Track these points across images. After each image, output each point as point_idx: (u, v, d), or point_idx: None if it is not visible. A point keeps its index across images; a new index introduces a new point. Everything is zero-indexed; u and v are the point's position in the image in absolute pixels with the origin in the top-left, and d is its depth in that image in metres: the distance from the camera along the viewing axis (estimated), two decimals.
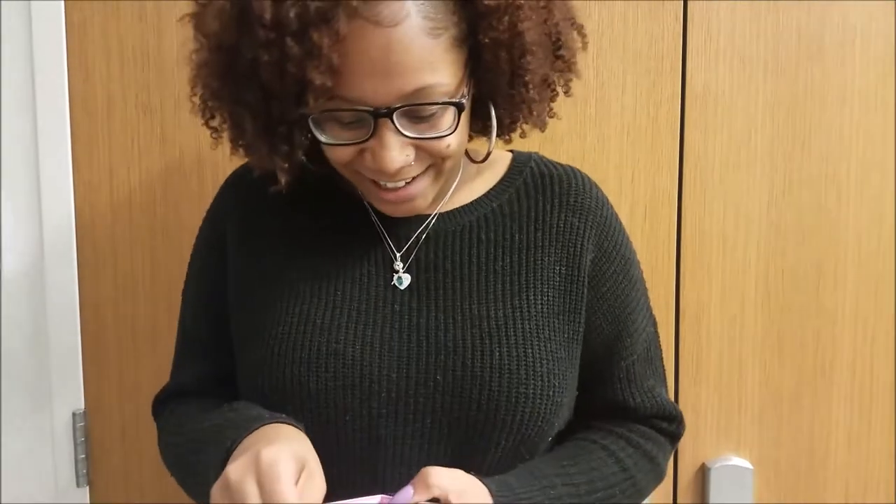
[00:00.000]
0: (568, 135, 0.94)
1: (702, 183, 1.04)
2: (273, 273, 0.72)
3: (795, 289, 1.06)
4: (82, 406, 1.05)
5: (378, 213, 0.72)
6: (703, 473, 1.07)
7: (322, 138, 0.63)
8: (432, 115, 0.62)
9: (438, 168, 0.67)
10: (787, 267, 1.06)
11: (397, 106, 0.60)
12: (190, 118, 1.02)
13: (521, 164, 0.77)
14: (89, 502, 1.06)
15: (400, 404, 0.67)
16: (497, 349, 0.68)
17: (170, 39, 1.02)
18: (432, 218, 0.73)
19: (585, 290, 0.73)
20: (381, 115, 0.60)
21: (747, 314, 1.06)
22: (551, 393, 0.69)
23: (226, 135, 0.69)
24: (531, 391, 0.67)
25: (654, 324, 0.81)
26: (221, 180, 1.03)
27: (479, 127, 0.73)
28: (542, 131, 0.74)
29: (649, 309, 0.81)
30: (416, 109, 0.61)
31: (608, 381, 0.77)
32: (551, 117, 0.73)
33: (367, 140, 0.62)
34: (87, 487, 1.06)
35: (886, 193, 1.05)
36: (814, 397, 1.07)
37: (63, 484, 1.05)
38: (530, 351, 0.68)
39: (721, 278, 1.06)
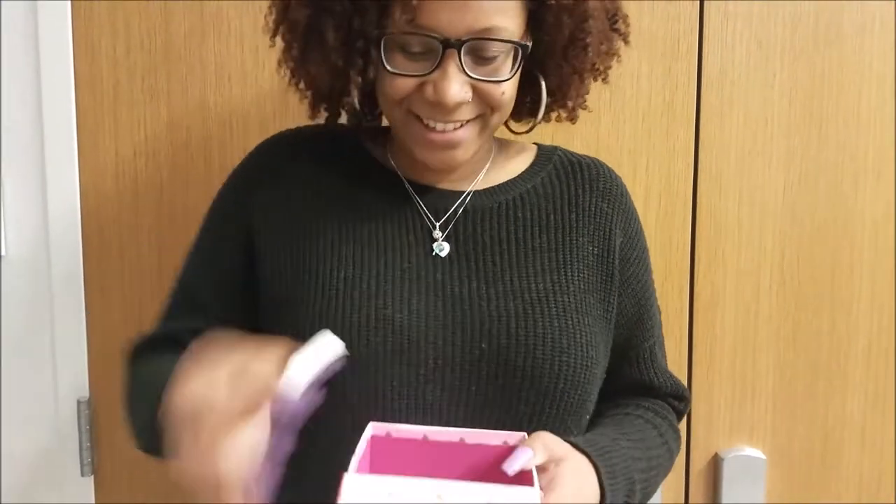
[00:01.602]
0: (582, 120, 0.92)
1: (717, 169, 1.03)
2: (311, 236, 0.73)
3: (811, 277, 1.05)
4: (87, 394, 1.04)
5: (413, 183, 0.76)
6: (715, 463, 1.06)
7: (388, 66, 0.66)
8: (494, 58, 0.66)
9: (486, 120, 0.70)
10: (802, 255, 1.04)
11: (466, 39, 0.64)
12: (197, 101, 1.02)
13: (549, 153, 0.82)
14: (94, 491, 1.05)
15: (446, 371, 0.69)
16: (540, 319, 0.70)
17: (177, 22, 1.00)
18: (468, 194, 0.76)
19: (617, 272, 0.77)
20: (451, 45, 0.64)
21: (762, 303, 1.05)
22: (589, 363, 0.71)
23: (295, 56, 0.71)
24: (572, 360, 0.70)
25: (660, 311, 0.86)
26: (229, 164, 1.02)
27: (523, 103, 0.76)
28: (573, 122, 0.78)
29: (656, 298, 0.85)
30: (481, 48, 0.65)
31: (633, 363, 0.81)
32: (584, 108, 0.78)
33: (431, 73, 0.65)
34: (92, 476, 1.05)
35: None
36: (828, 388, 1.06)
37: (68, 472, 1.04)
38: (570, 322, 0.71)
39: (736, 266, 1.04)
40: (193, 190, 1.03)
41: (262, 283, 0.75)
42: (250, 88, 1.01)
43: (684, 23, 1.00)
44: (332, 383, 0.66)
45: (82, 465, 1.03)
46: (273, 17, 0.73)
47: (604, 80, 0.77)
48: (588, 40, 0.70)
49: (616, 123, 1.01)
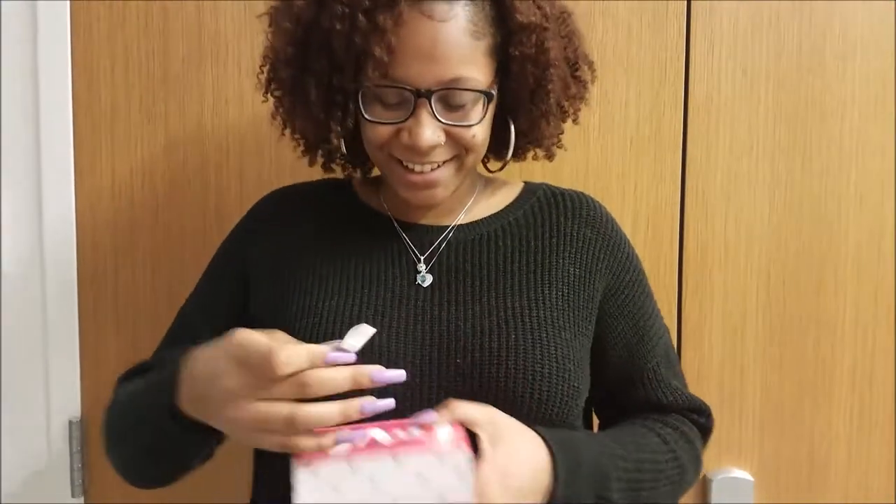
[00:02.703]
0: (571, 145, 0.95)
1: (704, 193, 1.05)
2: (301, 272, 0.78)
3: (796, 299, 1.06)
4: (79, 414, 1.04)
5: (401, 222, 0.81)
6: (704, 485, 1.07)
7: (367, 115, 0.72)
8: (463, 105, 0.72)
9: (461, 161, 0.76)
10: (787, 277, 1.06)
11: (435, 89, 0.70)
12: (194, 124, 1.04)
13: (534, 188, 0.86)
14: None
15: (424, 387, 0.72)
16: (513, 332, 0.73)
17: (175, 46, 1.02)
18: (451, 229, 0.81)
19: (599, 295, 0.79)
20: (422, 95, 0.70)
21: (748, 324, 1.06)
22: (567, 375, 0.73)
23: (284, 109, 0.79)
24: (546, 370, 0.72)
25: (668, 332, 0.87)
26: (224, 186, 1.04)
27: (495, 146, 0.81)
28: (550, 160, 0.83)
29: (662, 318, 0.87)
30: (450, 96, 0.71)
31: (638, 384, 0.83)
32: (559, 147, 0.83)
33: (405, 120, 0.71)
34: (83, 498, 1.04)
35: (886, 204, 1.06)
36: (814, 408, 1.07)
37: (59, 494, 1.03)
38: (544, 335, 0.74)
39: (723, 288, 1.06)
40: (189, 211, 1.04)
41: (255, 318, 0.79)
42: (247, 111, 1.03)
43: (671, 51, 1.03)
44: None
45: (73, 487, 1.03)
46: (264, 75, 0.79)
47: (574, 121, 0.83)
48: (550, 87, 0.75)
49: (604, 148, 1.03)
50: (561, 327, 0.75)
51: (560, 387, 0.72)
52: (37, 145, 1.02)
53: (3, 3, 1.00)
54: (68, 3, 1.01)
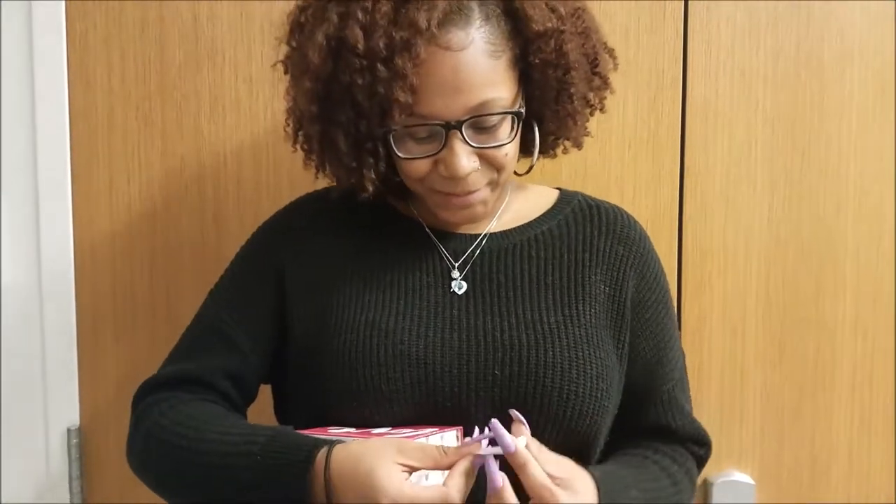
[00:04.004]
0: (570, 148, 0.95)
1: (702, 196, 1.05)
2: (338, 285, 0.79)
3: (796, 301, 1.06)
4: (77, 422, 1.04)
5: (433, 229, 0.82)
6: (705, 489, 1.07)
7: (400, 154, 0.73)
8: (494, 126, 0.72)
9: (496, 181, 0.76)
10: (787, 279, 1.06)
11: (465, 119, 0.70)
12: (191, 130, 1.03)
13: (570, 197, 0.86)
14: None
15: (462, 398, 0.73)
16: (550, 349, 0.74)
17: (172, 53, 1.02)
18: (484, 236, 0.81)
19: (628, 314, 0.80)
20: (452, 127, 0.70)
21: (748, 326, 1.06)
22: (599, 395, 0.75)
23: (315, 159, 0.79)
24: (581, 390, 0.73)
25: (684, 355, 0.88)
26: (222, 192, 1.03)
27: (525, 147, 0.81)
28: (580, 149, 0.84)
29: (680, 341, 0.88)
30: (480, 120, 0.71)
31: (651, 405, 0.83)
32: (587, 135, 0.83)
33: (439, 152, 0.72)
34: None
35: (885, 205, 1.06)
36: (815, 410, 1.07)
37: (58, 502, 1.03)
38: (581, 353, 0.75)
39: (722, 290, 1.06)
40: (186, 217, 1.04)
41: (290, 330, 0.80)
42: (244, 118, 1.03)
43: (669, 54, 1.03)
44: (360, 415, 0.72)
45: (72, 494, 1.03)
46: (290, 127, 0.79)
47: (601, 110, 0.82)
48: (573, 89, 0.76)
49: (603, 151, 1.03)
50: (596, 346, 0.76)
51: (592, 406, 0.74)
52: (33, 153, 1.01)
53: None
54: (64, 9, 1.01)
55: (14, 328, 1.02)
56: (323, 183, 0.89)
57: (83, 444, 1.03)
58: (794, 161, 1.05)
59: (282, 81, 1.00)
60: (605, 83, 0.80)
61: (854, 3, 1.03)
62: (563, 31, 0.73)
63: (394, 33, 0.67)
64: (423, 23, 0.66)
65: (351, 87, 0.69)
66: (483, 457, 0.65)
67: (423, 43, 0.67)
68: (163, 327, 1.03)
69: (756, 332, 1.06)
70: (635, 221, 0.86)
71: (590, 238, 0.81)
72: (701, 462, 0.87)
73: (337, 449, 0.66)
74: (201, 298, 0.87)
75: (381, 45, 0.67)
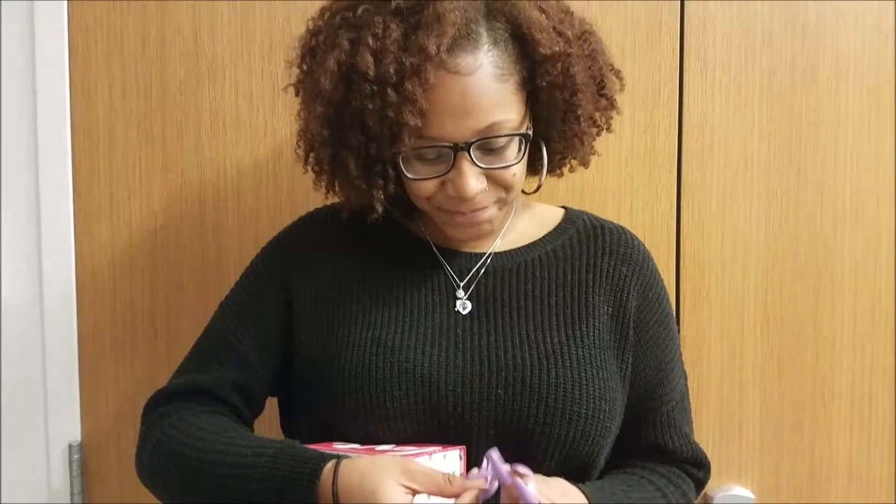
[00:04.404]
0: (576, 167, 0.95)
1: (699, 211, 1.06)
2: (345, 302, 0.80)
3: (794, 316, 1.07)
4: (79, 438, 1.04)
5: (439, 247, 0.82)
6: None
7: (409, 175, 0.74)
8: (501, 147, 0.73)
9: (504, 200, 0.77)
10: (785, 294, 1.07)
11: (473, 140, 0.71)
12: (191, 147, 1.04)
13: (574, 217, 0.87)
14: None
15: (465, 417, 0.74)
16: (553, 369, 0.75)
17: (173, 70, 1.03)
18: (488, 256, 0.82)
19: (631, 334, 0.81)
20: (460, 149, 0.71)
21: (746, 341, 1.06)
22: (601, 416, 0.75)
23: (325, 180, 0.80)
24: (583, 410, 0.74)
25: (686, 377, 0.88)
26: (222, 207, 1.04)
27: (531, 166, 0.82)
28: (586, 167, 0.85)
29: (682, 363, 0.88)
30: (488, 142, 0.72)
31: (650, 425, 0.83)
32: (594, 154, 0.84)
33: (447, 172, 0.73)
34: None
35: (881, 219, 1.06)
36: (814, 424, 1.07)
37: None
38: (584, 374, 0.76)
39: (720, 305, 1.06)
40: (187, 233, 1.04)
41: (297, 346, 0.81)
42: (244, 134, 1.04)
43: (665, 71, 1.04)
44: (365, 431, 0.73)
45: None
46: (301, 149, 0.80)
47: (608, 129, 0.83)
48: (580, 111, 0.77)
49: (600, 168, 1.04)
50: (599, 367, 0.77)
51: (594, 427, 0.75)
52: (35, 168, 1.02)
53: (0, 26, 1.01)
54: (66, 26, 1.02)
55: (15, 344, 1.03)
56: (321, 201, 0.90)
57: (84, 459, 1.04)
58: (791, 176, 1.06)
59: (281, 98, 1.03)
60: (612, 104, 0.82)
61: (848, 20, 1.04)
62: (569, 55, 0.74)
63: (404, 59, 0.68)
64: (432, 49, 0.68)
65: (362, 111, 0.70)
66: (487, 491, 0.65)
67: (433, 68, 0.68)
68: (163, 343, 1.03)
69: (754, 346, 1.07)
70: (639, 242, 0.86)
71: (594, 259, 0.82)
72: (699, 484, 0.86)
73: (344, 463, 0.66)
74: (202, 314, 0.88)
75: (392, 70, 0.68)
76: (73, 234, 1.04)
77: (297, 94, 0.80)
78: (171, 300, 1.04)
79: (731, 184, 1.05)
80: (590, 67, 0.78)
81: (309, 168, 0.80)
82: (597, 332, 0.78)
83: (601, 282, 0.81)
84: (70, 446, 1.03)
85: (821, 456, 1.07)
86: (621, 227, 0.87)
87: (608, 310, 0.80)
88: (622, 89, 0.83)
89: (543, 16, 0.73)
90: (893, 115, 1.06)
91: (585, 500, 0.71)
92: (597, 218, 0.87)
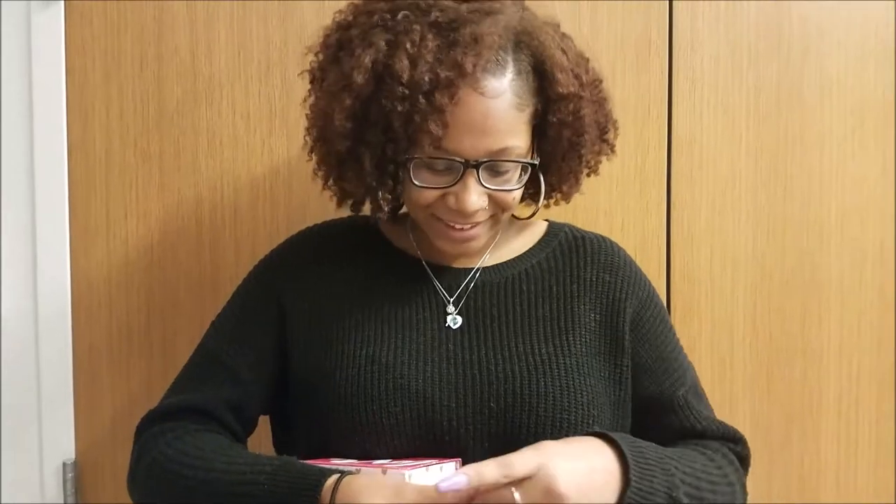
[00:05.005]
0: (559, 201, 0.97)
1: (689, 228, 1.07)
2: (338, 318, 0.81)
3: (781, 329, 1.09)
4: (73, 456, 1.04)
5: (429, 263, 0.84)
6: None
7: (416, 182, 0.76)
8: (507, 171, 0.76)
9: (496, 219, 0.80)
10: (773, 308, 1.08)
11: (484, 161, 0.74)
12: (189, 166, 1.05)
13: (557, 230, 0.90)
14: None
15: (460, 430, 0.76)
16: (542, 379, 0.77)
17: (170, 89, 1.04)
18: (477, 270, 0.84)
19: (627, 336, 0.83)
20: (471, 166, 0.74)
21: (736, 354, 1.08)
22: (591, 422, 0.77)
23: (333, 172, 0.80)
24: (573, 417, 0.76)
25: (694, 368, 0.90)
26: (219, 224, 1.05)
27: (527, 193, 0.85)
28: (567, 202, 0.89)
29: (686, 356, 0.89)
30: (497, 164, 0.75)
31: (671, 412, 0.84)
32: (578, 192, 0.88)
33: (452, 185, 0.75)
34: None
35: (866, 235, 1.09)
36: (802, 436, 1.09)
37: None
38: (572, 383, 0.78)
39: (710, 319, 1.08)
40: (183, 251, 1.05)
41: (291, 363, 0.82)
42: (241, 153, 1.04)
43: (654, 91, 1.06)
44: (361, 447, 0.74)
45: None
46: (311, 136, 0.81)
47: (595, 172, 0.88)
48: (583, 151, 0.81)
49: (592, 185, 1.04)
50: (586, 374, 0.79)
51: (583, 433, 0.75)
52: (31, 186, 1.02)
53: None
54: (63, 45, 1.03)
55: (10, 361, 1.03)
56: (318, 218, 0.92)
57: (79, 478, 1.03)
58: (777, 193, 1.08)
59: (279, 118, 1.04)
60: (612, 149, 0.86)
61: (832, 40, 1.07)
62: (582, 97, 0.78)
63: (439, 70, 0.71)
64: (468, 67, 0.70)
65: (389, 112, 0.72)
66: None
67: (464, 85, 0.71)
68: (159, 361, 1.04)
69: (744, 359, 1.08)
70: (619, 248, 0.88)
71: (577, 269, 0.85)
72: (741, 459, 0.84)
73: (346, 481, 0.67)
74: (198, 332, 0.88)
75: (427, 79, 0.71)
76: (68, 253, 1.04)
77: (311, 81, 0.80)
78: (168, 318, 1.05)
79: (720, 200, 1.08)
80: (596, 112, 0.82)
81: (313, 155, 0.81)
82: (584, 340, 0.81)
83: (586, 290, 0.83)
84: (64, 464, 1.03)
85: (810, 466, 1.09)
86: (602, 237, 0.89)
87: (595, 317, 0.82)
88: (616, 137, 0.86)
89: (565, 57, 0.77)
90: (877, 132, 1.08)
91: (605, 450, 0.71)
92: (578, 230, 0.90)
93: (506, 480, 0.65)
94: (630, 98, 1.06)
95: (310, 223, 0.91)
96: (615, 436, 0.73)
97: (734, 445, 0.85)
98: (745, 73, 1.07)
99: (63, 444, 1.03)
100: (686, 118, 1.06)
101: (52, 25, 1.02)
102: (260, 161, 1.05)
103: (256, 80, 1.04)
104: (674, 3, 1.05)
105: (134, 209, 1.05)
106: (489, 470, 0.66)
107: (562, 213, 1.06)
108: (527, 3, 0.82)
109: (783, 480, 1.09)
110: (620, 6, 1.05)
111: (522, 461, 0.67)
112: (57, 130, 1.03)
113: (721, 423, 0.86)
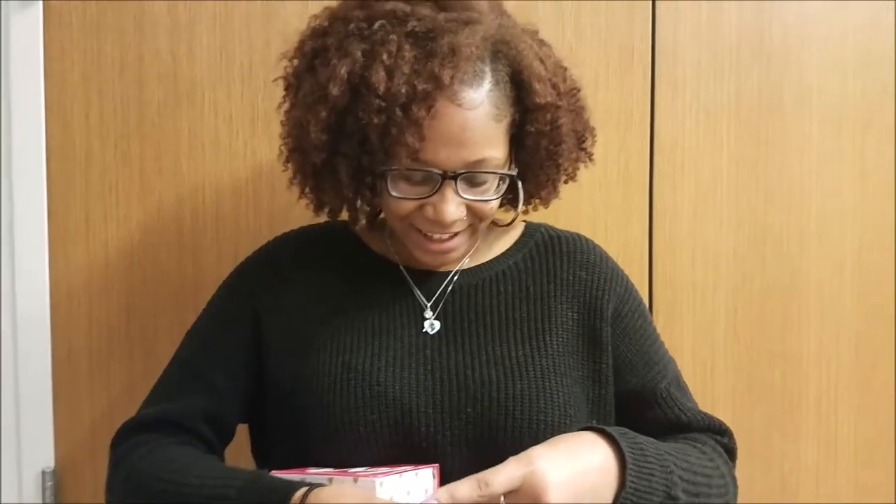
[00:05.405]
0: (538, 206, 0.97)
1: (671, 232, 1.08)
2: (314, 325, 0.81)
3: (762, 334, 1.10)
4: (52, 464, 1.02)
5: (408, 268, 0.83)
6: None
7: (394, 193, 0.75)
8: (484, 181, 0.76)
9: (475, 228, 0.80)
10: (753, 312, 1.09)
11: (461, 172, 0.74)
12: (169, 168, 1.04)
13: (533, 230, 0.90)
14: None
15: (438, 436, 0.75)
16: (519, 382, 0.77)
17: (151, 91, 1.03)
18: (455, 273, 0.84)
19: (607, 332, 0.83)
20: (449, 177, 0.74)
21: (717, 358, 1.09)
22: (568, 422, 0.77)
23: (309, 182, 0.80)
24: (549, 419, 0.76)
25: (675, 363, 0.90)
26: (200, 228, 1.04)
27: (504, 200, 0.84)
28: (546, 208, 0.89)
29: (667, 351, 0.90)
30: (475, 175, 0.75)
31: (655, 405, 0.84)
32: (556, 198, 0.88)
33: (430, 196, 0.75)
34: None
35: (846, 240, 1.10)
36: (783, 439, 1.10)
37: None
38: (548, 384, 0.77)
39: (692, 323, 1.09)
40: (164, 256, 1.04)
41: (267, 371, 0.82)
42: (223, 156, 1.04)
43: (637, 97, 1.07)
44: (339, 456, 0.73)
45: None
46: (287, 146, 0.80)
47: (573, 179, 0.87)
48: (560, 160, 0.81)
49: (575, 190, 1.04)
50: (563, 374, 0.79)
51: (561, 433, 0.75)
52: (10, 189, 1.01)
53: None
54: (41, 47, 1.01)
55: None
56: (301, 222, 0.91)
57: (58, 486, 1.02)
58: (758, 198, 1.09)
59: (261, 120, 1.03)
60: (589, 157, 0.86)
61: (812, 48, 1.08)
62: (559, 107, 0.77)
63: (416, 83, 0.70)
64: (446, 79, 0.70)
65: (365, 124, 0.71)
66: None
67: (441, 97, 0.70)
68: (140, 367, 1.03)
69: (725, 363, 1.09)
70: (595, 245, 0.88)
71: (553, 269, 0.85)
72: (728, 451, 0.85)
73: (312, 493, 0.67)
74: (179, 337, 0.87)
75: (403, 91, 0.70)
76: (47, 256, 1.02)
77: (286, 88, 0.80)
78: (149, 322, 1.04)
79: (702, 206, 1.08)
80: (574, 121, 0.81)
81: (290, 167, 0.80)
82: (561, 339, 0.80)
83: (562, 289, 0.83)
84: (43, 473, 1.01)
85: (790, 467, 1.10)
86: (577, 235, 0.89)
87: (573, 316, 0.82)
88: (594, 145, 0.87)
89: (542, 66, 0.77)
90: (855, 138, 1.10)
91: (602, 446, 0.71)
92: (554, 229, 0.90)
93: (483, 500, 0.65)
94: (613, 103, 1.06)
95: (293, 226, 0.91)
96: (613, 432, 0.73)
97: (721, 437, 0.86)
98: (726, 79, 1.07)
99: (42, 452, 1.02)
100: (668, 124, 1.07)
101: (30, 27, 1.01)
102: (242, 163, 1.04)
103: (239, 82, 1.03)
104: (656, 9, 1.06)
105: (114, 212, 1.04)
106: (463, 489, 0.65)
107: (544, 218, 1.06)
108: (514, 6, 0.82)
109: (764, 482, 1.10)
110: (604, 12, 1.06)
111: (502, 477, 0.66)
112: (36, 133, 1.02)
113: (706, 414, 0.86)
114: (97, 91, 1.03)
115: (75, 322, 1.03)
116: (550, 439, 0.72)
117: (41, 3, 1.01)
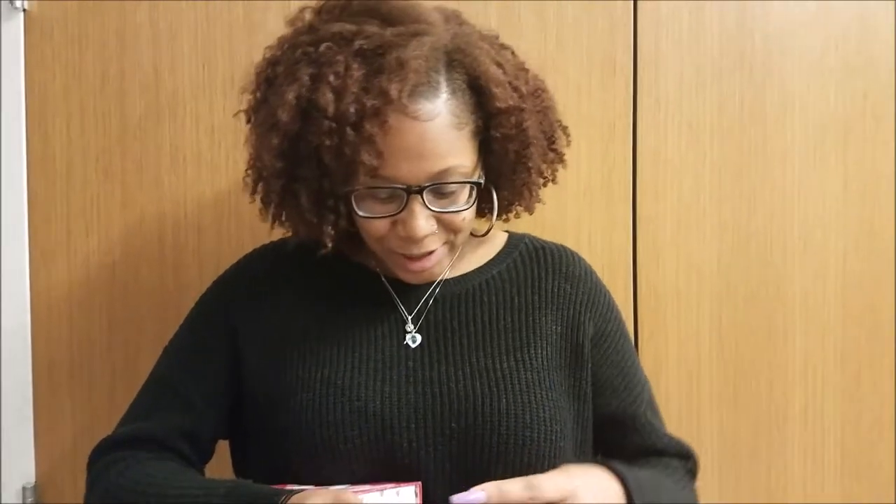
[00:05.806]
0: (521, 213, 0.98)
1: (654, 242, 1.08)
2: (293, 340, 0.79)
3: (747, 343, 1.10)
4: (33, 480, 1.01)
5: (389, 279, 0.82)
6: None
7: (361, 213, 0.74)
8: (453, 192, 0.75)
9: (452, 242, 0.79)
10: (738, 322, 1.10)
11: (426, 185, 0.72)
12: (151, 182, 1.04)
13: (517, 240, 0.89)
14: None
15: (421, 452, 0.74)
16: (504, 396, 0.76)
17: (132, 104, 1.03)
18: (438, 284, 0.82)
19: (587, 348, 0.82)
20: (414, 191, 0.72)
21: (703, 368, 1.09)
22: (554, 437, 0.76)
23: (273, 210, 0.79)
24: (535, 434, 0.75)
25: (649, 382, 0.90)
26: (182, 242, 1.04)
27: (481, 209, 0.84)
28: (531, 214, 0.87)
29: (642, 369, 0.90)
30: (441, 186, 0.74)
31: (633, 429, 0.85)
32: (539, 202, 0.86)
33: (399, 213, 0.73)
34: None
35: (829, 249, 1.10)
36: (769, 448, 1.10)
37: None
38: (533, 398, 0.76)
39: (677, 333, 1.09)
40: (146, 269, 1.03)
41: (246, 387, 0.81)
42: (205, 169, 1.03)
43: (619, 107, 1.07)
44: (318, 473, 0.72)
45: None
46: (251, 177, 0.80)
47: (553, 181, 0.86)
48: (530, 163, 0.79)
49: (559, 200, 1.06)
50: (548, 388, 0.78)
51: (548, 448, 0.75)
52: None
53: None
54: (22, 61, 1.01)
55: None
56: (286, 234, 0.91)
57: (39, 502, 1.01)
58: (742, 207, 1.09)
59: (244, 133, 1.02)
60: (560, 158, 0.85)
61: (793, 57, 1.09)
62: (523, 109, 0.76)
63: (365, 100, 0.69)
64: (394, 93, 0.68)
65: (318, 147, 0.70)
66: None
67: (393, 112, 0.69)
68: (121, 382, 1.02)
69: (710, 373, 1.09)
70: (580, 258, 0.88)
71: (538, 280, 0.84)
72: (692, 475, 0.88)
73: (295, 497, 0.66)
74: (160, 351, 0.87)
75: (352, 110, 0.69)
76: (28, 270, 1.02)
77: (248, 122, 0.80)
78: (129, 338, 1.03)
79: (685, 215, 1.09)
80: (541, 123, 0.80)
81: (257, 198, 0.80)
82: (545, 353, 0.79)
83: (547, 302, 0.82)
84: (24, 488, 1.01)
85: (777, 477, 1.10)
86: (562, 247, 0.88)
87: (557, 329, 0.81)
88: (568, 144, 0.86)
89: (500, 70, 0.75)
90: (837, 148, 1.10)
91: (615, 486, 0.74)
92: (538, 240, 0.89)
93: (531, 502, 0.66)
94: (596, 114, 1.06)
95: (275, 239, 0.90)
96: (627, 476, 0.75)
97: (687, 462, 0.88)
98: (708, 90, 1.08)
99: (23, 467, 1.01)
100: (651, 134, 1.07)
101: (11, 39, 1.00)
102: (225, 176, 1.04)
103: (221, 94, 1.03)
104: (638, 21, 1.07)
105: (95, 226, 1.03)
106: (514, 488, 0.66)
107: (528, 228, 1.06)
108: (496, 18, 0.82)
109: (750, 492, 1.10)
110: (585, 24, 1.06)
111: (553, 485, 0.67)
112: (17, 146, 1.01)
113: (676, 439, 0.88)
114: (78, 104, 1.02)
115: (56, 336, 1.03)
116: (570, 465, 0.73)
117: (22, 15, 1.01)
